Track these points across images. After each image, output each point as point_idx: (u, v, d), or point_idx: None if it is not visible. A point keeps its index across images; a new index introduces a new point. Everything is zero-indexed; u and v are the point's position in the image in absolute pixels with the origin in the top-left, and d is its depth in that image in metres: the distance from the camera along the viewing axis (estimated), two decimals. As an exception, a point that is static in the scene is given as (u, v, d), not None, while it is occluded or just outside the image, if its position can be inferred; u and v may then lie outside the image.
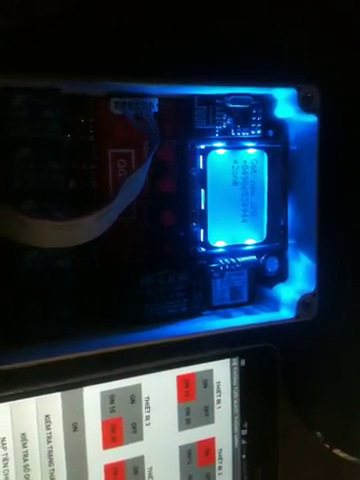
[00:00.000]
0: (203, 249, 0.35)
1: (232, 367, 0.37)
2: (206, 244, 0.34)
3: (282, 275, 0.37)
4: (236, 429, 0.38)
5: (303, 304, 0.35)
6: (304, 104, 0.33)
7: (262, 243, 0.36)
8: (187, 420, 0.36)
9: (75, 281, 0.32)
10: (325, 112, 0.33)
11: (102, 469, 0.34)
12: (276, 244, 0.36)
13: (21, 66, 0.28)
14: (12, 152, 0.29)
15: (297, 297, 0.35)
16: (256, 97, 0.34)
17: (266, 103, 0.35)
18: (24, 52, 0.30)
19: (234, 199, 0.35)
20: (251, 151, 0.35)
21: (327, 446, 0.42)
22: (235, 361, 0.37)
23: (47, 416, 0.33)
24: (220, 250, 0.35)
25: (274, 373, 0.38)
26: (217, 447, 0.38)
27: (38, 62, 0.30)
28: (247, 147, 0.35)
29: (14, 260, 0.31)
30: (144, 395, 0.35)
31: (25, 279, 0.31)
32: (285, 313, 0.36)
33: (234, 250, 0.35)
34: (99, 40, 0.32)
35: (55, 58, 0.30)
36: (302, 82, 0.33)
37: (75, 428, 0.33)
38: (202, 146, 0.34)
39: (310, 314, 0.35)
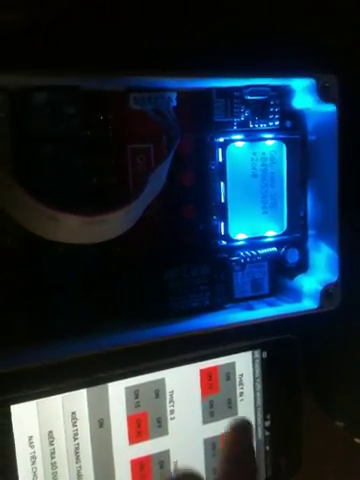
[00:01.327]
0: (224, 242, 0.35)
1: (254, 359, 0.37)
2: (227, 237, 0.34)
3: (303, 266, 0.37)
4: (259, 421, 0.38)
5: (326, 294, 0.35)
6: (322, 94, 0.33)
7: (282, 234, 0.36)
8: (211, 413, 0.37)
9: (98, 276, 0.32)
10: (344, 101, 0.33)
11: (129, 464, 0.34)
12: (296, 235, 0.36)
13: (41, 64, 0.28)
14: (34, 149, 0.29)
15: (319, 287, 0.35)
16: (274, 88, 0.34)
17: (284, 94, 0.35)
18: (43, 50, 0.30)
19: (254, 191, 0.35)
20: (270, 142, 0.35)
21: (349, 436, 0.42)
22: (257, 353, 0.37)
23: (73, 413, 0.33)
24: (241, 243, 0.35)
25: (296, 364, 0.38)
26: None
27: (57, 60, 0.29)
28: (265, 139, 0.35)
29: (35, 256, 0.31)
30: (168, 389, 0.35)
31: (47, 275, 0.31)
32: (308, 304, 0.36)
33: (254, 242, 0.35)
34: (117, 35, 0.32)
35: (74, 55, 0.30)
36: (320, 72, 0.33)
37: (101, 424, 0.33)
38: (221, 139, 0.34)
39: (333, 304, 0.35)
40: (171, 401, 0.35)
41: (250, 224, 0.35)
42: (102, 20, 0.31)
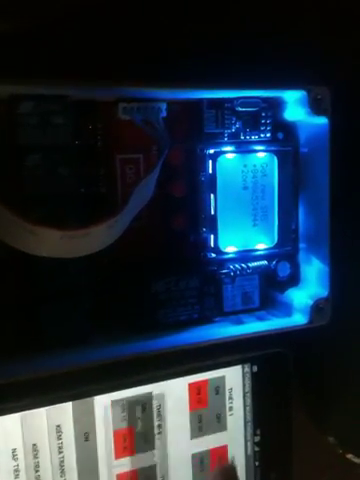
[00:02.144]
0: (213, 255, 0.34)
1: (244, 373, 0.37)
2: (216, 249, 0.34)
3: (294, 280, 0.36)
4: (249, 436, 0.38)
5: (316, 309, 0.34)
6: (314, 106, 0.33)
7: (273, 247, 0.36)
8: (199, 428, 0.36)
9: (86, 288, 0.32)
10: (336, 113, 0.33)
11: (114, 478, 0.34)
12: (287, 248, 0.36)
13: (29, 73, 0.27)
14: (22, 159, 0.29)
15: (310, 302, 0.34)
16: (265, 100, 0.34)
17: (275, 105, 0.35)
18: (32, 59, 0.29)
19: (244, 203, 0.35)
20: (261, 154, 0.35)
21: (340, 451, 0.41)
22: (247, 367, 0.37)
23: (58, 426, 0.32)
24: (231, 255, 0.35)
25: (287, 379, 0.38)
26: (230, 454, 0.37)
27: (46, 69, 0.29)
28: (257, 150, 0.34)
29: (23, 268, 0.30)
30: (155, 403, 0.35)
31: (35, 287, 0.31)
32: (298, 318, 0.35)
33: (245, 255, 0.35)
34: (107, 45, 0.31)
35: (63, 64, 0.30)
36: (312, 84, 0.32)
37: (87, 438, 0.33)
38: (211, 150, 0.33)
39: (324, 319, 0.34)
40: (159, 415, 0.35)
41: (240, 237, 0.35)
42: (91, 29, 0.31)
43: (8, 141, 0.29)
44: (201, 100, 0.33)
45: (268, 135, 0.35)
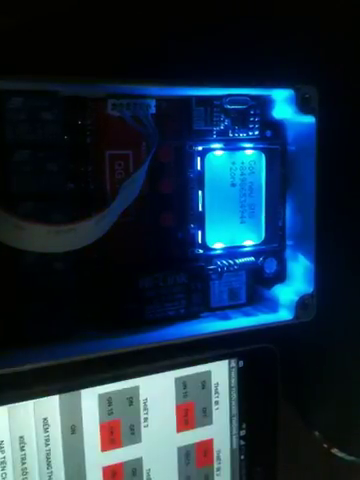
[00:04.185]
0: (201, 251, 0.34)
1: (230, 368, 0.37)
2: (204, 246, 0.34)
3: (280, 276, 0.37)
4: (234, 430, 0.38)
5: (302, 305, 0.35)
6: (302, 105, 0.33)
7: (260, 244, 0.36)
8: (185, 421, 0.36)
9: (73, 283, 0.32)
10: (323, 113, 0.33)
11: (100, 471, 0.34)
12: (274, 245, 0.36)
13: (18, 68, 0.28)
14: (10, 155, 0.29)
15: (295, 298, 0.35)
16: (254, 98, 0.34)
17: (264, 104, 0.35)
18: (21, 54, 0.29)
19: (232, 200, 0.35)
20: (249, 152, 0.35)
21: (325, 446, 0.42)
22: (233, 362, 0.37)
23: (45, 419, 0.32)
24: (218, 252, 0.35)
25: (273, 374, 0.38)
26: (215, 448, 0.38)
27: (35, 64, 0.29)
28: (245, 148, 0.35)
29: (9, 262, 0.30)
30: (142, 397, 0.35)
31: (23, 282, 0.31)
32: (284, 314, 0.36)
33: (232, 251, 0.35)
34: (96, 41, 0.32)
35: (52, 60, 0.30)
36: (300, 83, 0.33)
37: (73, 431, 0.33)
38: (200, 147, 0.34)
39: (309, 315, 0.35)
40: (145, 409, 0.35)
41: (228, 233, 0.35)
42: (80, 26, 0.31)
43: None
44: (190, 97, 0.33)
45: (256, 133, 0.35)
